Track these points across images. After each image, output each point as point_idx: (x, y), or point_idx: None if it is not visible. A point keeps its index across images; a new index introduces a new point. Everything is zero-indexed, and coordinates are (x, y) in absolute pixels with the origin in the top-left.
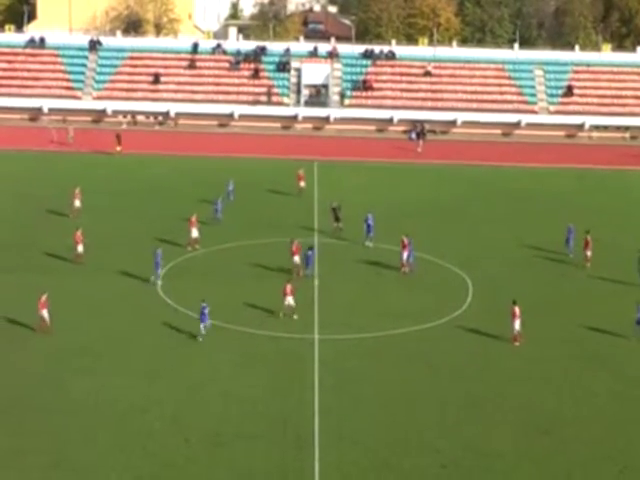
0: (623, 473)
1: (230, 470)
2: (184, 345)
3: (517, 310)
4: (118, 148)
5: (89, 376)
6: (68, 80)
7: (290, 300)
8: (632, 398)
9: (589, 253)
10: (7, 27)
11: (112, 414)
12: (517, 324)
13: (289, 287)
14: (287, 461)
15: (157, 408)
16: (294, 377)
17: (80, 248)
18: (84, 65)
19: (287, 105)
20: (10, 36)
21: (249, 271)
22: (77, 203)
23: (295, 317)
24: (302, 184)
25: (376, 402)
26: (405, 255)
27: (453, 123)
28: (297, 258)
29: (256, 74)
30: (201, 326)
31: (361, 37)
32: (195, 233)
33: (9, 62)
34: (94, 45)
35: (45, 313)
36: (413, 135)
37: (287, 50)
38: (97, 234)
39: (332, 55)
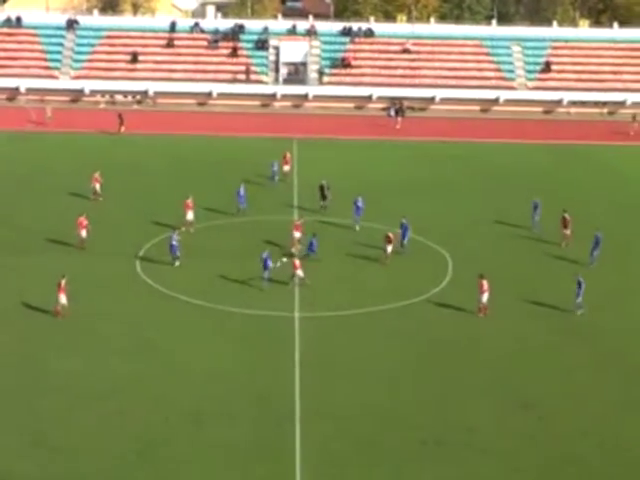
0: (601, 447)
1: (211, 448)
2: (165, 324)
3: (485, 283)
4: (122, 128)
5: (68, 355)
6: (45, 60)
7: (300, 272)
8: (610, 371)
9: (567, 232)
10: None
11: (91, 393)
12: (484, 297)
13: (297, 262)
14: (268, 438)
15: (137, 387)
16: (275, 355)
17: (84, 233)
18: (61, 44)
19: (266, 83)
20: None
21: (229, 250)
22: (97, 187)
23: (308, 282)
24: (287, 168)
25: (356, 379)
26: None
27: (432, 100)
28: (298, 234)
29: (234, 52)
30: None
31: (339, 15)
32: (190, 216)
33: None
34: (71, 24)
35: (63, 298)
36: (392, 112)
37: (265, 28)
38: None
39: (310, 33)
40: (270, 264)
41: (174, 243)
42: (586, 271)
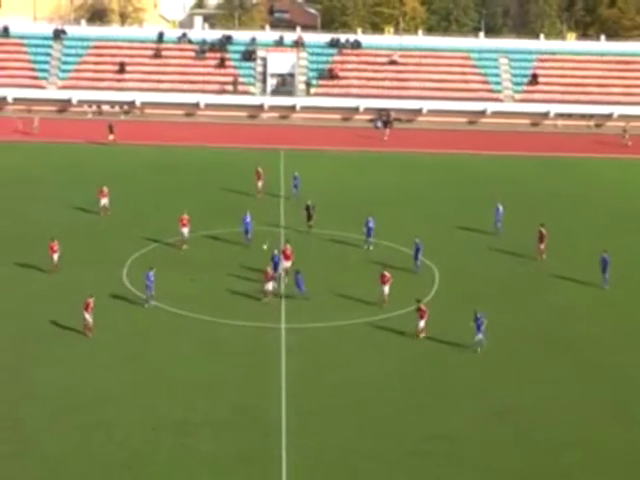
0: (585, 458)
1: (197, 458)
2: (151, 335)
3: (424, 308)
4: (111, 137)
5: (53, 365)
6: (33, 69)
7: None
8: (592, 383)
9: (542, 246)
10: None
11: (76, 403)
12: (422, 323)
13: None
14: (254, 448)
15: (123, 397)
16: (261, 365)
17: (55, 257)
18: (49, 54)
19: (253, 94)
20: None
21: (215, 262)
22: (103, 201)
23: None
24: (260, 184)
25: (342, 389)
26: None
27: (419, 111)
28: (287, 264)
29: (222, 63)
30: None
31: (327, 26)
32: (185, 232)
33: None
34: (59, 34)
35: (90, 317)
36: (379, 124)
37: (253, 39)
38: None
39: (298, 44)
40: (280, 265)
41: (149, 283)
42: (569, 287)
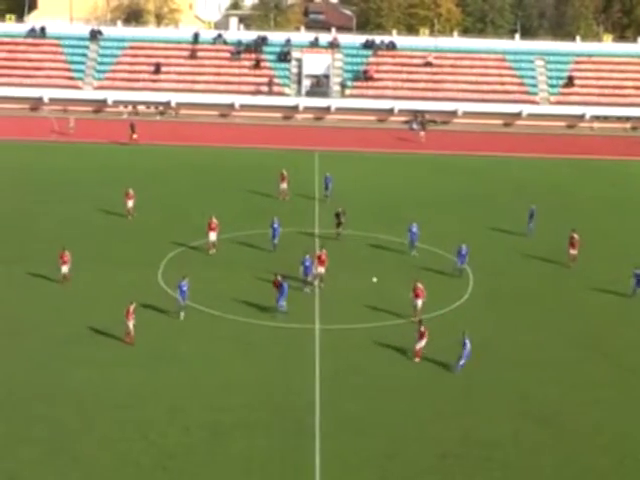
0: (622, 463)
1: (230, 459)
2: (185, 335)
3: (423, 329)
4: (134, 136)
5: (88, 365)
6: (69, 70)
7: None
8: (631, 387)
9: (573, 252)
10: (8, 17)
11: (111, 403)
12: (422, 343)
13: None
14: (287, 450)
15: (157, 398)
16: (295, 367)
17: (65, 269)
18: (85, 55)
19: (288, 95)
20: (11, 26)
21: (247, 262)
22: (130, 203)
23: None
24: (284, 186)
25: (376, 392)
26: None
27: (454, 113)
28: (322, 269)
29: (257, 64)
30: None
31: (362, 27)
32: (213, 237)
33: (10, 52)
34: (95, 35)
35: (131, 324)
36: (414, 125)
37: (288, 40)
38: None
39: (333, 45)
40: (311, 270)
41: (184, 289)
42: (605, 292)
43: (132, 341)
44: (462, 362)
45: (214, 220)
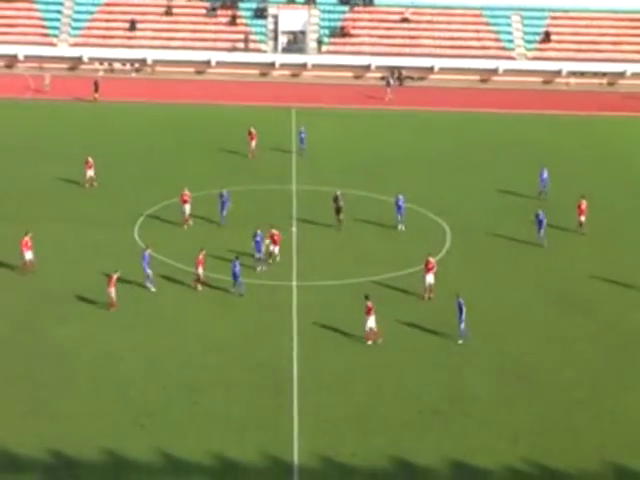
0: (599, 418)
1: (208, 417)
2: (162, 293)
3: (370, 305)
4: (96, 95)
5: (67, 323)
6: (44, 27)
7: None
8: (608, 343)
9: (583, 218)
10: None
11: (89, 361)
12: (371, 320)
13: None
14: (265, 408)
15: (134, 356)
16: (272, 324)
17: (29, 255)
18: (60, 12)
19: (264, 52)
20: None
21: (228, 219)
22: (90, 173)
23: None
24: (253, 144)
25: (354, 348)
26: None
27: (431, 69)
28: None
29: (233, 21)
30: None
31: None
32: (187, 209)
33: None
34: None
35: (113, 293)
36: (391, 81)
37: None
38: (75, 182)
39: (309, 1)
40: (262, 246)
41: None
42: (585, 249)
43: (114, 309)
44: (463, 325)
45: (187, 192)
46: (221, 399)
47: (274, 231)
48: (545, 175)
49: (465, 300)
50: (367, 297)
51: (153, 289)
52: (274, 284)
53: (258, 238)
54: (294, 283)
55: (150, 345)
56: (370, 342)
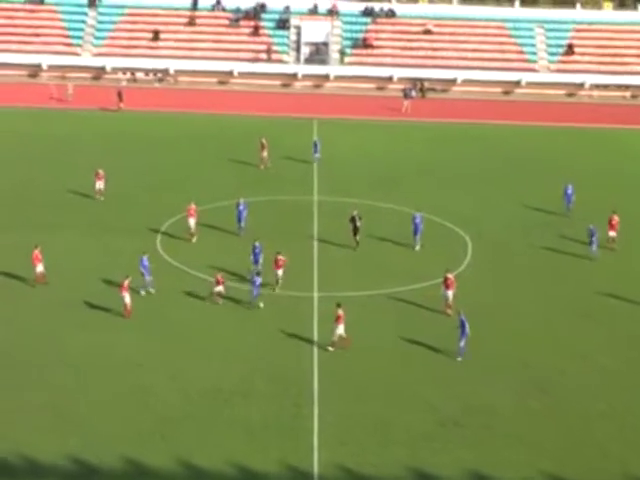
0: (622, 431)
1: (229, 426)
2: (184, 302)
3: (341, 313)
4: (121, 105)
5: (86, 331)
6: (67, 36)
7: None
8: (631, 357)
9: (613, 234)
10: None
11: (110, 369)
12: (340, 329)
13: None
14: (286, 418)
15: (153, 364)
16: (293, 335)
17: (40, 267)
18: (83, 21)
19: (287, 63)
20: None
21: (249, 229)
22: (99, 184)
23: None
24: (264, 154)
25: (375, 359)
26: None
27: (453, 81)
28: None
29: (256, 31)
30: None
31: None
32: (192, 223)
33: (9, 18)
34: (93, 1)
35: (127, 297)
36: (413, 93)
37: (287, 7)
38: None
39: (332, 13)
40: (259, 258)
41: (145, 264)
42: (609, 262)
43: (129, 314)
44: (462, 344)
45: (193, 206)
46: (242, 408)
47: (279, 256)
48: (570, 191)
49: (487, 310)
50: (339, 305)
51: (153, 290)
52: (296, 295)
53: (257, 250)
54: (315, 294)
55: (169, 353)
56: (332, 349)
